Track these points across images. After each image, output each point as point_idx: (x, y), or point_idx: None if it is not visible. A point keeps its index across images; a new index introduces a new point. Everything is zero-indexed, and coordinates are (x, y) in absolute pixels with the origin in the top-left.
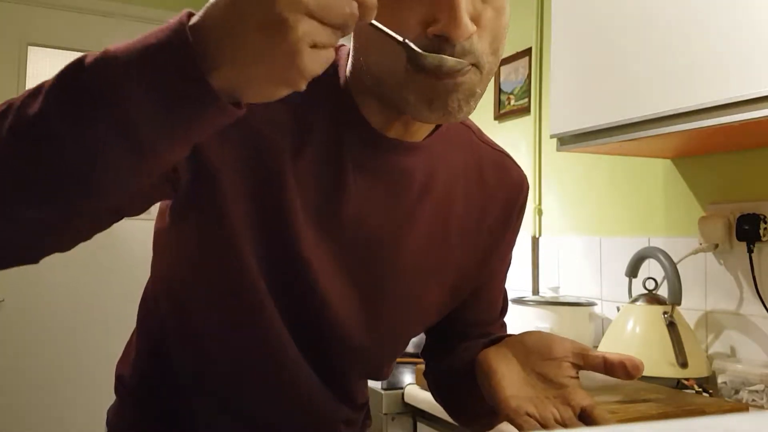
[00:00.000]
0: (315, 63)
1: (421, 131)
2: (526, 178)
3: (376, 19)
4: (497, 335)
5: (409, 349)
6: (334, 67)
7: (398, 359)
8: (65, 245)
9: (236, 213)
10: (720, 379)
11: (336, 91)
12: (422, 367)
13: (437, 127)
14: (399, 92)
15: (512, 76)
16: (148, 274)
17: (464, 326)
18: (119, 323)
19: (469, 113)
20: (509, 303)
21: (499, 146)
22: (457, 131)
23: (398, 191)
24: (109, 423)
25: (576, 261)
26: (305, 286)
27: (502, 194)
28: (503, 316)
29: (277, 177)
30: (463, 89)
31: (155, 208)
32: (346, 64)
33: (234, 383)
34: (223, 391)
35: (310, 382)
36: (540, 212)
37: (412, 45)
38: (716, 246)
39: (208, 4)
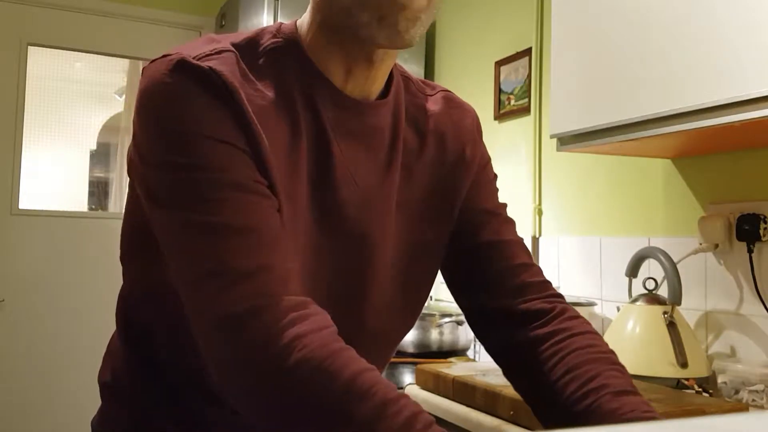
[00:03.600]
0: None
1: (376, 83)
2: (470, 106)
3: None
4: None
5: (409, 349)
6: (280, 50)
7: (398, 359)
8: None
9: None
10: (720, 379)
11: (300, 64)
12: (422, 366)
13: (389, 85)
14: (355, 13)
15: (512, 76)
16: None
17: (503, 297)
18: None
19: (414, 40)
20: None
21: (439, 86)
22: (404, 84)
23: (374, 148)
24: None
25: (576, 261)
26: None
27: (459, 129)
28: (537, 275)
29: (294, 163)
30: (412, 9)
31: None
32: (299, 38)
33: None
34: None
35: None
36: (540, 212)
37: None
38: (716, 246)
39: None
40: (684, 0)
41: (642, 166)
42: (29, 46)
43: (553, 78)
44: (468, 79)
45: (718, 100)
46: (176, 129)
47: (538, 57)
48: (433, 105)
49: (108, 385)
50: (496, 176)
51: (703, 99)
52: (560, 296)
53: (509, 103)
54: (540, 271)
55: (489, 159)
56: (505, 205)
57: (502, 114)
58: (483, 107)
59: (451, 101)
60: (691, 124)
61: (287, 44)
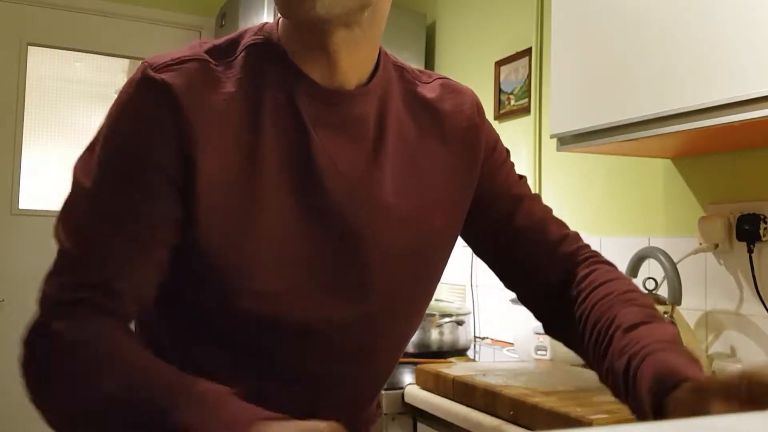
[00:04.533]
0: None
1: (350, 72)
2: (469, 89)
3: None
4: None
5: (409, 349)
6: (260, 47)
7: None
8: None
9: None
10: None
11: (278, 59)
12: (422, 366)
13: (374, 73)
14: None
15: (512, 76)
16: None
17: (539, 267)
18: None
19: (315, 12)
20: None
21: (435, 74)
22: (395, 73)
23: (357, 137)
24: None
25: None
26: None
27: (461, 114)
28: (570, 239)
29: (253, 163)
30: None
31: None
32: (276, 37)
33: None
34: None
35: (329, 360)
36: None
37: None
38: (716, 246)
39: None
40: (684, 0)
41: (642, 166)
42: (29, 46)
43: (553, 78)
44: (468, 79)
45: (717, 100)
46: (113, 146)
47: (538, 57)
48: (430, 92)
49: None
50: (508, 152)
51: (703, 99)
52: (591, 254)
53: (509, 103)
54: (573, 238)
55: (497, 138)
56: (525, 180)
57: (502, 114)
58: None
59: (447, 87)
60: (691, 124)
61: (267, 41)
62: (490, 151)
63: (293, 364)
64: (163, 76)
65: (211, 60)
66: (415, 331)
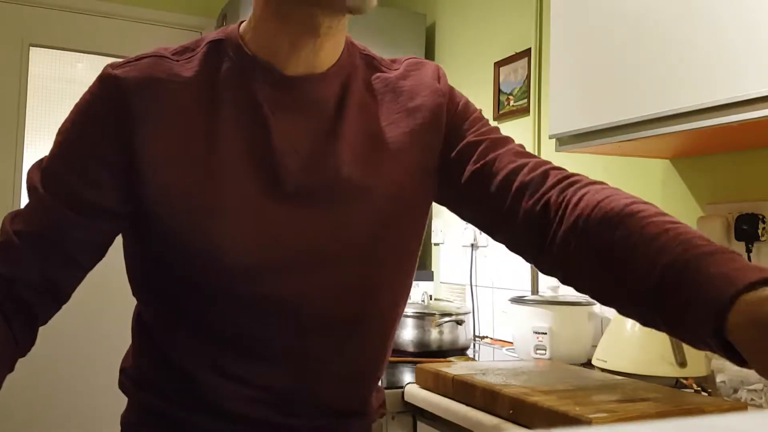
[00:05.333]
0: None
1: (323, 56)
2: (433, 63)
3: None
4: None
5: (409, 348)
6: (221, 42)
7: (398, 359)
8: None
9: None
10: (719, 378)
11: (237, 53)
12: (422, 366)
13: (339, 58)
14: None
15: (511, 76)
16: None
17: (524, 189)
18: (121, 321)
19: (372, 4)
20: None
21: (408, 57)
22: (361, 61)
23: (314, 117)
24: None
25: None
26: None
27: (422, 84)
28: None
29: (212, 145)
30: None
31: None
32: (238, 34)
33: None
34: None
35: (317, 350)
36: None
37: None
38: None
39: None
40: (683, 0)
41: (641, 166)
42: (31, 47)
43: (552, 78)
44: (467, 80)
45: (716, 101)
46: (62, 136)
47: (538, 58)
48: (395, 73)
49: (124, 371)
50: (479, 111)
51: (702, 99)
52: (563, 178)
53: (508, 104)
54: (535, 164)
55: (464, 101)
56: (490, 128)
57: (501, 114)
58: (482, 108)
59: (412, 64)
60: (690, 124)
61: (228, 38)
62: (454, 113)
63: (274, 342)
64: (117, 71)
65: (168, 56)
66: (402, 305)
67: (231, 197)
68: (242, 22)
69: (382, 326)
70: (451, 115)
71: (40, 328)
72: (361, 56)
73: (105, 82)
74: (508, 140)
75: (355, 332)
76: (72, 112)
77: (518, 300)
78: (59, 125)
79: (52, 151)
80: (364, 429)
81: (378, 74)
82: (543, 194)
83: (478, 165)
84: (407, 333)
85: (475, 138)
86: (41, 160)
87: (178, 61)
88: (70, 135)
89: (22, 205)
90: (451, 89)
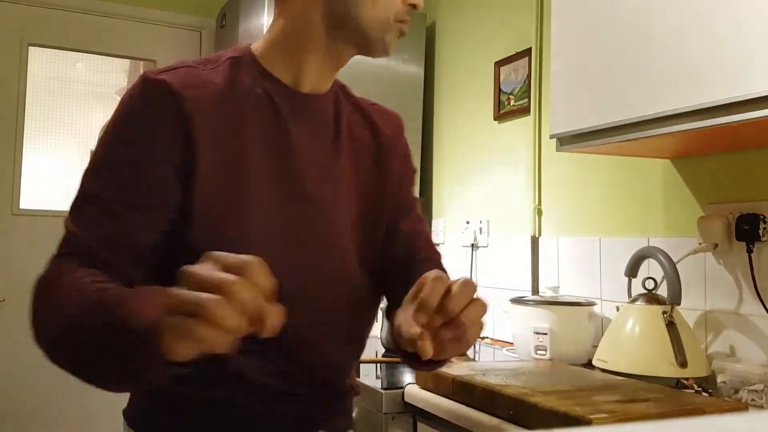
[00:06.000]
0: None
1: (326, 84)
2: (393, 111)
3: None
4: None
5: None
6: (239, 59)
7: (398, 359)
8: None
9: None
10: (719, 379)
11: (254, 69)
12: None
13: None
14: (380, 31)
15: (512, 76)
16: None
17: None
18: None
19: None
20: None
21: (368, 99)
22: (340, 88)
23: (320, 126)
24: (128, 418)
25: (575, 261)
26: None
27: (389, 130)
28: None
29: (240, 144)
30: (406, 23)
31: None
32: (251, 53)
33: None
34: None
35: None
36: (540, 212)
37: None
38: (715, 246)
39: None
40: (683, 0)
41: (641, 166)
42: (30, 47)
43: (552, 78)
44: (468, 80)
45: (716, 101)
46: (122, 138)
47: (538, 57)
48: (366, 104)
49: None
50: (415, 170)
51: (702, 99)
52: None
53: (509, 104)
54: (437, 266)
55: (410, 154)
56: (417, 200)
57: (501, 114)
58: (483, 108)
59: (378, 105)
60: (690, 125)
61: (244, 56)
62: (407, 159)
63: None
64: (161, 76)
65: (195, 66)
66: (373, 289)
67: (254, 191)
68: (250, 44)
69: (362, 308)
70: (403, 161)
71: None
72: (338, 85)
73: (155, 85)
74: (421, 219)
75: (336, 309)
76: (121, 116)
77: (518, 300)
78: (103, 128)
79: (104, 155)
80: (350, 401)
81: (355, 102)
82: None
83: (404, 228)
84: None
85: (412, 201)
86: (92, 167)
87: (204, 70)
88: (129, 137)
89: (23, 205)
90: (407, 142)
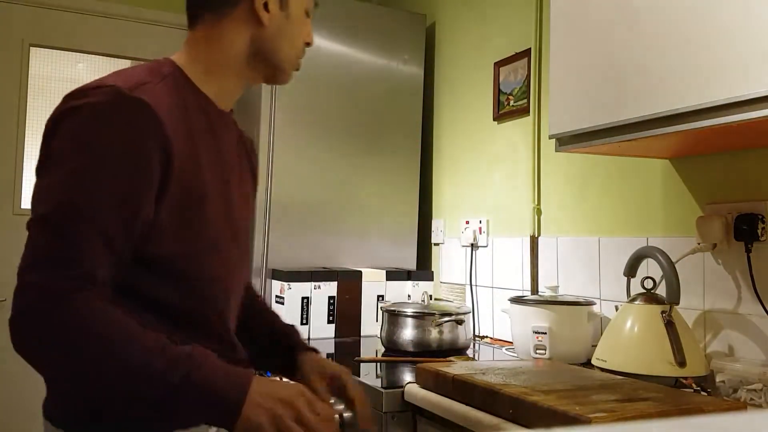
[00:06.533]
0: None
1: (233, 103)
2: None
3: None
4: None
5: (409, 348)
6: (175, 74)
7: (398, 358)
8: None
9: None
10: (718, 378)
11: (189, 86)
12: (422, 365)
13: None
14: (289, 66)
15: (511, 77)
16: None
17: None
18: None
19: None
20: None
21: None
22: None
23: (232, 138)
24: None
25: (575, 261)
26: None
27: (249, 146)
28: None
29: (195, 150)
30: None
31: None
32: (179, 68)
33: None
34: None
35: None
36: (539, 212)
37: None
38: (714, 246)
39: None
40: (683, 1)
41: (640, 166)
42: (31, 47)
43: (551, 79)
44: (467, 80)
45: (716, 101)
46: (110, 150)
47: (537, 58)
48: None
49: None
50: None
51: (701, 99)
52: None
53: (508, 104)
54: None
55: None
56: None
57: (501, 115)
58: (482, 108)
59: (243, 133)
60: (690, 125)
61: (177, 71)
62: (256, 172)
63: (217, 286)
64: (137, 95)
65: (152, 81)
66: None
67: (210, 191)
68: (170, 58)
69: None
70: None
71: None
72: None
73: (135, 104)
74: None
75: (241, 274)
76: (103, 134)
77: (518, 300)
78: (64, 131)
79: (89, 170)
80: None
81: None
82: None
83: None
84: (407, 333)
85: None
86: (74, 179)
87: (157, 85)
88: (119, 157)
89: (24, 205)
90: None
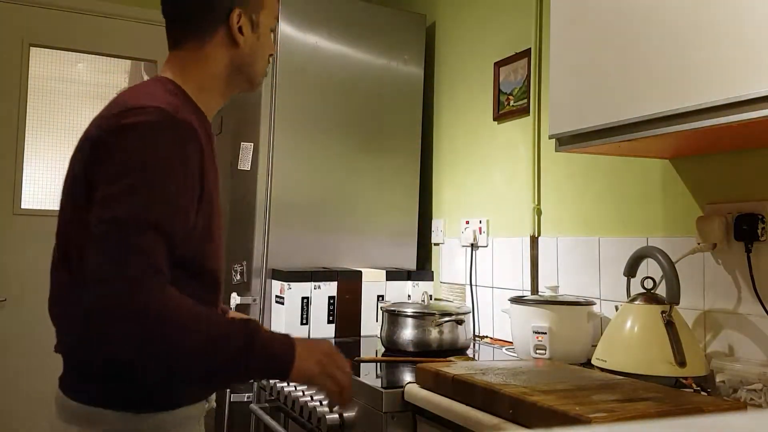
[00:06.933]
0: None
1: (212, 116)
2: None
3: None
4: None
5: (409, 348)
6: (181, 96)
7: (398, 358)
8: None
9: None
10: (718, 378)
11: (192, 105)
12: (422, 365)
13: None
14: (261, 77)
15: (511, 77)
16: None
17: None
18: None
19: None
20: None
21: None
22: None
23: (213, 147)
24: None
25: (575, 261)
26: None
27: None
28: None
29: (211, 163)
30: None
31: None
32: (184, 91)
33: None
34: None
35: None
36: (539, 212)
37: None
38: (714, 246)
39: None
40: (682, 1)
41: (640, 166)
42: (31, 47)
43: (551, 79)
44: (467, 80)
45: (716, 101)
46: (169, 173)
47: (537, 58)
48: None
49: None
50: None
51: (702, 99)
52: None
53: (508, 104)
54: None
55: None
56: None
57: (501, 115)
58: (482, 108)
59: None
60: (690, 125)
61: (182, 92)
62: None
63: (221, 276)
64: (182, 117)
65: (182, 103)
66: None
67: (215, 190)
68: (167, 77)
69: None
70: None
71: (40, 327)
72: None
73: (184, 125)
74: None
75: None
76: (162, 150)
77: (518, 300)
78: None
79: (157, 186)
80: None
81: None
82: None
83: None
84: (407, 333)
85: None
86: (134, 203)
87: (186, 107)
88: (176, 172)
89: (24, 205)
90: None
